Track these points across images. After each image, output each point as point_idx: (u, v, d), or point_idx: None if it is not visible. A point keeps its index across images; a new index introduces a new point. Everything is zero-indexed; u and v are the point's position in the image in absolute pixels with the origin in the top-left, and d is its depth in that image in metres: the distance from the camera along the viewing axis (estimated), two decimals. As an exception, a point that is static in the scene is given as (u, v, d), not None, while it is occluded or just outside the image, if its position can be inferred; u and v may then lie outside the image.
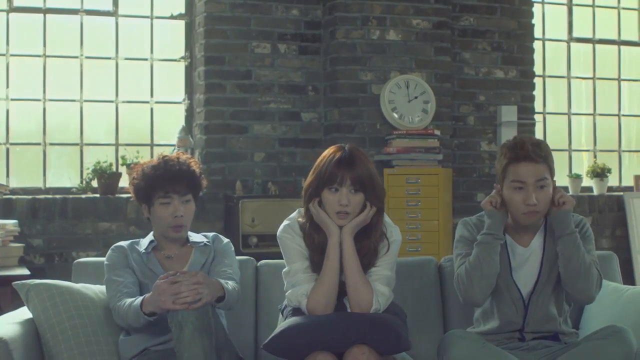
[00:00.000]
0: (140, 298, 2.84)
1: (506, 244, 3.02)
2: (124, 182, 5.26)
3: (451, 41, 5.92)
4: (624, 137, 6.96)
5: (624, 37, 6.96)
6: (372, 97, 5.64)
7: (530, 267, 3.00)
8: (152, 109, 5.68)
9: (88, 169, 5.36)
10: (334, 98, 5.64)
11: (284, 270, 2.92)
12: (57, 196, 5.22)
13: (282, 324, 2.78)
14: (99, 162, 5.30)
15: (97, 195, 5.30)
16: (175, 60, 5.75)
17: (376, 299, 2.78)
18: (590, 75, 6.84)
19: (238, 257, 3.24)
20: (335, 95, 5.63)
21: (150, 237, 3.16)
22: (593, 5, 6.84)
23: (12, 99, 5.37)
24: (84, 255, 5.03)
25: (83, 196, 5.28)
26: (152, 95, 5.68)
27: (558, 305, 3.00)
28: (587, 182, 6.60)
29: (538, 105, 6.42)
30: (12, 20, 5.38)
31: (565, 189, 6.47)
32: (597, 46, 6.86)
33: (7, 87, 5.35)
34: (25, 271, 4.51)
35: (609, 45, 6.91)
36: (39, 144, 5.43)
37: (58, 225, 5.16)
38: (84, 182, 5.39)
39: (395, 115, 5.63)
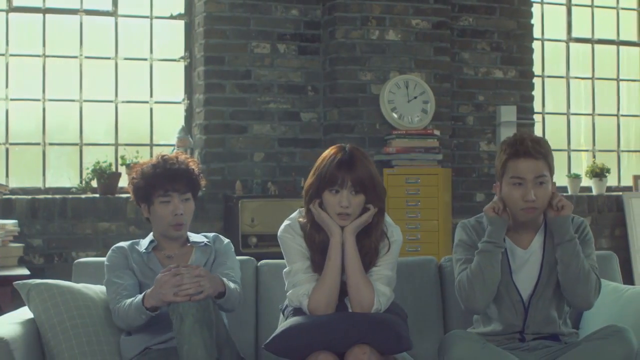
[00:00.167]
0: (142, 294, 2.85)
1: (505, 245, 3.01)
2: (124, 182, 5.25)
3: (450, 41, 5.93)
4: (623, 137, 6.97)
5: (622, 37, 6.97)
6: (372, 97, 5.65)
7: (530, 270, 2.99)
8: (151, 109, 5.68)
9: (88, 169, 5.36)
10: (334, 98, 5.64)
11: (284, 270, 2.92)
12: (57, 196, 5.22)
13: (284, 323, 2.79)
14: (98, 162, 5.30)
15: (97, 195, 5.30)
16: (174, 60, 5.75)
17: (377, 299, 2.79)
18: (589, 76, 6.85)
19: (238, 257, 3.25)
20: (334, 95, 5.64)
21: (150, 237, 3.17)
22: (592, 6, 6.85)
23: (11, 99, 5.37)
24: (83, 255, 5.03)
25: (83, 196, 5.28)
26: (151, 95, 5.68)
27: (558, 307, 2.99)
28: (586, 182, 6.61)
29: (537, 105, 6.43)
30: (12, 20, 5.38)
31: (564, 189, 6.48)
32: (596, 46, 6.87)
33: (7, 87, 5.35)
34: (25, 271, 4.51)
35: (608, 46, 6.92)
36: (38, 144, 5.43)
37: (57, 225, 5.16)
38: (84, 182, 5.39)
39: (395, 115, 5.63)
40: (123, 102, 5.61)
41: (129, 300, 2.90)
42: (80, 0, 5.50)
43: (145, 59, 5.67)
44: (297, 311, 2.83)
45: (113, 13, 5.58)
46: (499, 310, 2.99)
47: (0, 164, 5.33)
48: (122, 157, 5.42)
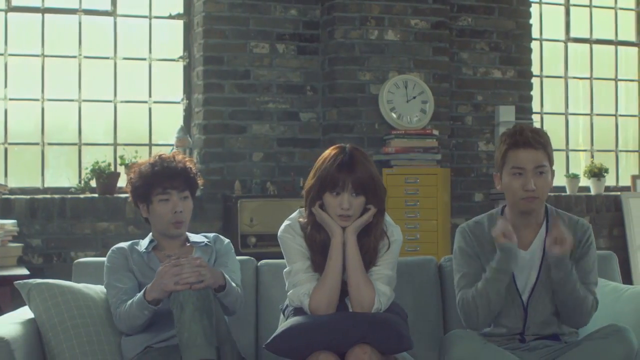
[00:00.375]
0: (142, 290, 2.87)
1: None
2: (123, 182, 5.24)
3: (449, 41, 5.94)
4: (621, 137, 6.98)
5: (620, 38, 6.98)
6: (371, 97, 5.65)
7: (529, 271, 2.99)
8: (150, 109, 5.68)
9: (86, 168, 5.36)
10: (333, 98, 5.65)
11: (285, 270, 2.93)
12: (56, 196, 5.22)
13: (284, 323, 2.79)
14: (97, 162, 5.30)
15: (96, 195, 5.29)
16: (173, 60, 5.75)
17: (378, 299, 2.79)
18: (587, 76, 6.86)
19: (238, 257, 3.25)
20: (333, 95, 5.64)
21: (150, 237, 3.18)
22: (590, 6, 6.86)
23: (10, 99, 5.37)
24: (82, 255, 5.02)
25: (81, 196, 5.28)
26: (150, 95, 5.68)
27: (557, 310, 2.99)
28: (584, 182, 6.62)
29: (535, 105, 6.44)
30: (11, 20, 5.38)
31: (563, 188, 6.49)
32: (594, 46, 6.87)
33: (6, 86, 5.35)
34: (24, 271, 4.50)
35: (606, 46, 6.93)
36: (37, 143, 5.42)
37: (57, 225, 5.16)
38: (83, 182, 5.38)
39: (394, 115, 5.63)
40: (122, 102, 5.61)
41: (129, 301, 2.91)
42: (79, 0, 5.49)
43: (144, 59, 5.67)
44: (298, 311, 2.84)
45: (112, 13, 5.58)
46: (499, 312, 2.99)
47: (-1, 164, 5.34)
48: (121, 157, 5.41)
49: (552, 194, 6.11)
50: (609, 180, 6.73)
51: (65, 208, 5.17)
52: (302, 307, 2.81)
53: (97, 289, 3.10)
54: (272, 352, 2.74)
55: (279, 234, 2.93)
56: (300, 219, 2.92)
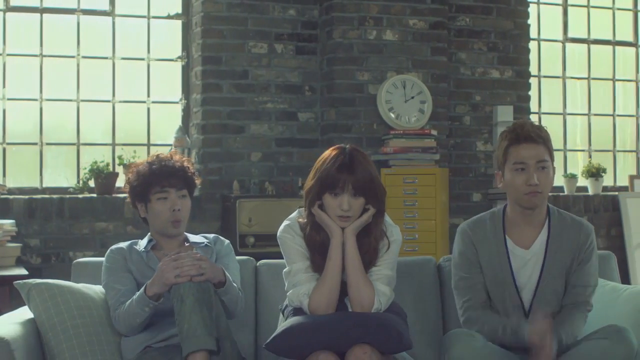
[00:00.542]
0: (143, 286, 2.89)
1: (507, 247, 3.01)
2: (121, 182, 5.26)
3: (447, 41, 5.94)
4: (619, 137, 6.99)
5: (618, 38, 6.99)
6: (369, 97, 5.65)
7: (530, 272, 2.99)
8: (149, 109, 5.68)
9: (85, 168, 5.36)
10: (331, 98, 5.65)
11: (284, 270, 2.93)
12: (54, 196, 5.22)
13: (284, 323, 2.79)
14: (95, 162, 5.30)
15: (94, 195, 5.29)
16: (172, 60, 5.75)
17: (377, 299, 2.80)
18: (585, 76, 6.86)
19: (237, 257, 3.26)
20: (332, 95, 5.64)
21: (149, 236, 3.19)
22: (588, 6, 6.87)
23: (8, 99, 5.36)
24: (80, 255, 5.02)
25: (80, 196, 5.28)
26: (149, 95, 5.67)
27: (558, 311, 2.98)
28: (582, 182, 6.63)
29: (533, 105, 6.45)
30: (9, 20, 5.37)
31: (561, 188, 6.50)
32: (592, 46, 6.88)
33: (4, 86, 5.34)
34: (23, 271, 4.50)
35: (604, 46, 6.94)
36: (35, 143, 5.42)
37: (55, 225, 5.15)
38: (81, 182, 5.38)
39: (392, 115, 5.64)
40: (120, 101, 5.60)
41: (128, 301, 2.92)
42: (77, 0, 5.49)
43: (143, 59, 5.66)
44: (297, 311, 2.84)
45: (110, 13, 5.57)
46: (500, 312, 2.99)
47: (-3, 164, 5.34)
48: (120, 157, 5.41)
49: (550, 193, 6.10)
50: (607, 180, 6.73)
51: (63, 208, 5.16)
52: (301, 307, 2.82)
53: (96, 289, 3.11)
54: (272, 352, 2.74)
55: (278, 234, 2.93)
56: (300, 219, 2.93)
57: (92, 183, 5.33)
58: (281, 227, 2.94)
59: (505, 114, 6.01)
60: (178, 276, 2.77)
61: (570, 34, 6.81)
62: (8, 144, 5.37)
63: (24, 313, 3.02)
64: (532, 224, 3.02)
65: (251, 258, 3.41)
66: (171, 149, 5.38)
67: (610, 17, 6.97)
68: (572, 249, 2.98)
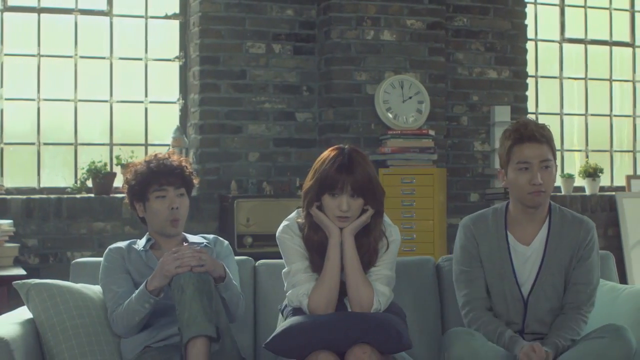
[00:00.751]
0: (144, 283, 2.90)
1: (508, 242, 3.02)
2: (119, 182, 5.25)
3: (445, 41, 5.94)
4: (616, 137, 7.00)
5: (615, 38, 7.00)
6: (367, 97, 5.66)
7: (530, 267, 3.00)
8: (146, 109, 5.67)
9: (82, 168, 5.35)
10: (329, 98, 5.65)
11: (283, 270, 2.93)
12: (52, 196, 5.21)
13: (284, 323, 2.79)
14: (93, 162, 5.29)
15: (92, 195, 5.29)
16: (169, 60, 5.74)
17: (377, 299, 2.80)
18: (582, 76, 6.88)
19: (235, 257, 3.26)
20: (329, 95, 5.65)
21: (147, 235, 3.19)
22: (585, 6, 6.88)
23: (6, 99, 5.35)
24: (78, 255, 5.01)
25: (78, 196, 5.27)
26: (146, 95, 5.67)
27: (557, 305, 2.99)
28: (579, 182, 6.64)
29: (531, 106, 6.46)
30: (6, 20, 5.37)
31: (558, 188, 6.51)
32: (589, 47, 6.89)
33: (1, 86, 5.34)
34: (21, 271, 4.49)
35: (601, 46, 6.95)
36: (33, 143, 5.41)
37: (53, 225, 5.15)
38: (79, 182, 5.38)
39: (390, 115, 5.64)
40: (118, 101, 5.60)
41: (127, 300, 2.92)
42: (75, 0, 5.48)
43: (140, 59, 5.66)
44: (297, 311, 2.84)
45: (108, 13, 5.57)
46: (499, 307, 3.00)
47: (-5, 164, 5.33)
48: (117, 157, 5.41)
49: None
50: (604, 180, 6.75)
51: (61, 208, 5.16)
52: (301, 307, 2.82)
53: (95, 289, 3.10)
54: (272, 352, 2.75)
55: (277, 234, 2.94)
56: (299, 220, 2.93)
57: (89, 183, 5.33)
58: (280, 227, 2.94)
59: (502, 114, 6.02)
60: (179, 267, 2.79)
61: (568, 35, 6.82)
62: (5, 144, 5.36)
63: (23, 313, 3.02)
64: (533, 221, 3.03)
65: (250, 258, 3.41)
66: (169, 149, 5.38)
67: (607, 17, 6.98)
68: (571, 246, 2.99)
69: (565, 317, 2.93)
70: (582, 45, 6.87)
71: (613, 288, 3.22)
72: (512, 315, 2.99)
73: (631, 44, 7.07)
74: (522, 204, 3.00)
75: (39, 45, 5.42)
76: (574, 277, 2.99)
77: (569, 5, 6.81)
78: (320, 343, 2.66)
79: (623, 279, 6.14)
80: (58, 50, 5.48)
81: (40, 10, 5.42)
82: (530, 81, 6.43)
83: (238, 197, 5.24)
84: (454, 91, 6.07)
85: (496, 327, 2.91)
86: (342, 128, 5.62)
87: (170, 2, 5.74)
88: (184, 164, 3.18)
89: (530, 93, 6.41)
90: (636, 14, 7.07)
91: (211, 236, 3.27)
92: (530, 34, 6.48)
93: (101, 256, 3.14)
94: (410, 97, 5.69)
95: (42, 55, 5.43)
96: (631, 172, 6.97)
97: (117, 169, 5.41)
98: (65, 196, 5.23)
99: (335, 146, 2.91)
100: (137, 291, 2.90)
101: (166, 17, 5.73)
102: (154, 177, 3.09)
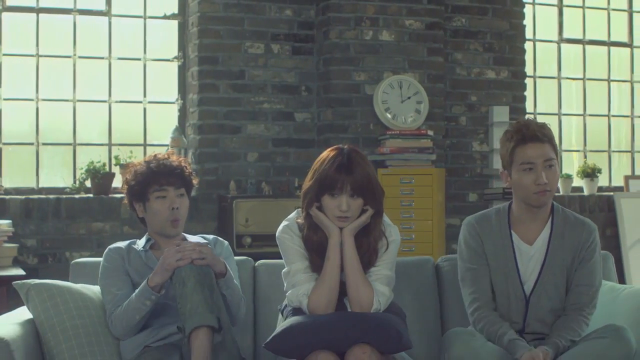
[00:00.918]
0: (145, 280, 2.91)
1: (512, 241, 3.03)
2: (118, 182, 5.26)
3: (443, 42, 5.95)
4: (614, 138, 7.01)
5: (613, 38, 7.01)
6: (366, 97, 5.66)
7: (533, 266, 3.01)
8: (145, 109, 5.68)
9: (81, 169, 5.35)
10: (328, 98, 5.65)
11: (283, 270, 2.93)
12: (51, 196, 5.21)
13: (284, 323, 2.79)
14: (92, 162, 5.29)
15: (91, 195, 5.29)
16: (168, 60, 5.75)
17: (377, 299, 2.80)
18: (581, 76, 6.88)
19: (235, 258, 3.26)
20: (328, 95, 5.65)
21: (147, 236, 3.19)
22: (583, 7, 6.89)
23: (4, 99, 5.35)
24: (77, 255, 5.02)
25: (76, 196, 5.27)
26: (145, 95, 5.67)
27: (558, 305, 2.99)
28: (577, 182, 6.65)
29: (529, 106, 6.47)
30: (5, 20, 5.37)
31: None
32: (587, 47, 6.90)
33: (0, 86, 5.34)
34: (20, 271, 4.50)
35: (599, 46, 6.96)
36: (31, 143, 5.41)
37: (52, 226, 5.15)
38: (78, 182, 5.38)
39: (389, 116, 5.65)
40: (117, 102, 5.60)
41: (127, 301, 2.92)
42: (73, 0, 5.48)
43: (139, 59, 5.66)
44: (297, 311, 2.84)
45: (107, 13, 5.57)
46: (501, 305, 3.00)
47: (-7, 164, 5.32)
48: (116, 157, 5.41)
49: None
50: (602, 181, 6.76)
51: (60, 208, 5.16)
52: (301, 307, 2.82)
53: (95, 290, 3.10)
54: (272, 352, 2.75)
55: (277, 234, 2.94)
56: (298, 220, 2.93)
57: (88, 183, 5.33)
58: (280, 227, 2.94)
59: (501, 115, 6.03)
60: (180, 260, 2.82)
61: (566, 35, 6.83)
62: (4, 144, 5.36)
63: (23, 313, 3.02)
64: (536, 220, 3.03)
65: (249, 258, 3.42)
66: (168, 149, 5.39)
67: (605, 17, 6.99)
68: (573, 247, 3.00)
69: (567, 318, 2.93)
70: (580, 46, 6.88)
71: (612, 288, 3.23)
72: (513, 314, 2.99)
73: (629, 45, 7.08)
74: (527, 204, 3.00)
75: (37, 45, 5.42)
76: (576, 279, 2.99)
77: (567, 6, 6.82)
78: (320, 343, 2.66)
79: (621, 279, 6.14)
80: (57, 51, 5.48)
81: (39, 11, 5.42)
82: (528, 81, 6.43)
83: (237, 197, 5.24)
84: (452, 91, 6.08)
85: (498, 328, 2.91)
86: (341, 128, 5.62)
87: (169, 3, 5.74)
88: (183, 164, 3.19)
89: (528, 93, 6.42)
90: (634, 15, 7.08)
91: (211, 236, 3.27)
92: (528, 34, 6.49)
93: (100, 256, 3.14)
94: (409, 98, 5.70)
95: (41, 56, 5.43)
96: (629, 172, 6.98)
97: (115, 169, 5.41)
98: (64, 196, 5.23)
99: (335, 146, 2.91)
100: (137, 290, 2.91)
101: (165, 17, 5.73)
102: (154, 177, 3.09)
